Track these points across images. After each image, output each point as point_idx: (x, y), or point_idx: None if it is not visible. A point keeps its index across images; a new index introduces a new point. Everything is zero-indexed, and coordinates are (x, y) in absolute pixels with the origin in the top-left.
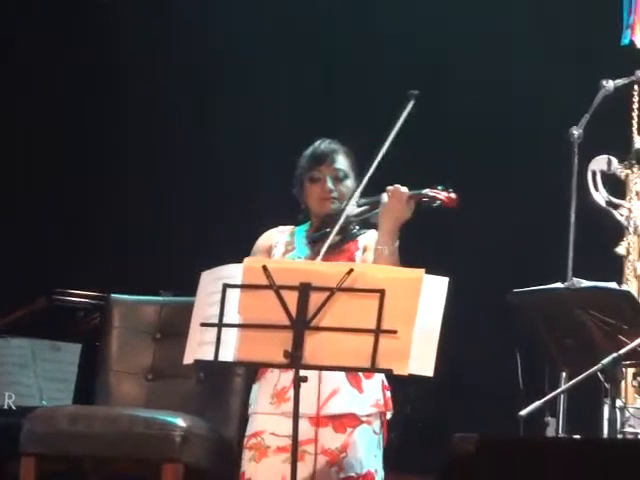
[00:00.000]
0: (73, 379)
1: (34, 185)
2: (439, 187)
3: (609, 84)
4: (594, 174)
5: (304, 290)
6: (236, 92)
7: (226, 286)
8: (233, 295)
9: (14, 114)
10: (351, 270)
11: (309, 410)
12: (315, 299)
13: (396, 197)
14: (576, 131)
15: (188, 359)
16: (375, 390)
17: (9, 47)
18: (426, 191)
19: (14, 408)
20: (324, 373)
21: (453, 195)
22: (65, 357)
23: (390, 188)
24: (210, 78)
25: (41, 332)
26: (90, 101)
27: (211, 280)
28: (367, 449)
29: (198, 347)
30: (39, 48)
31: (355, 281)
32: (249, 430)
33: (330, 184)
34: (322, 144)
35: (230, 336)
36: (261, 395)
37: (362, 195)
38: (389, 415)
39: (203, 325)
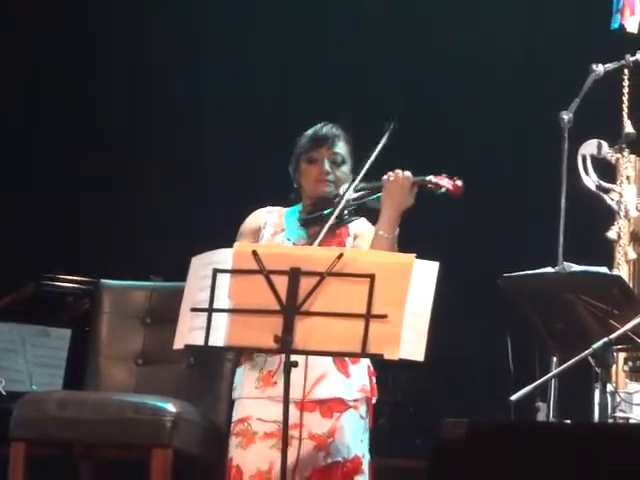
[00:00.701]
0: (63, 364)
1: (21, 171)
2: (443, 174)
3: (599, 68)
4: (584, 158)
5: (294, 275)
6: (225, 74)
7: (216, 271)
8: (223, 280)
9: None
10: (341, 255)
11: (295, 395)
12: (305, 284)
13: (398, 182)
14: (566, 115)
15: (178, 344)
16: (362, 375)
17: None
18: (430, 177)
19: (4, 393)
20: (311, 358)
21: (459, 182)
22: (55, 342)
23: (391, 173)
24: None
25: (30, 317)
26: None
27: (201, 265)
28: (354, 434)
29: (188, 332)
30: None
31: (345, 266)
32: (235, 415)
33: (327, 167)
34: (324, 127)
35: (220, 321)
36: (246, 379)
37: (362, 181)
38: (374, 400)
39: (193, 310)
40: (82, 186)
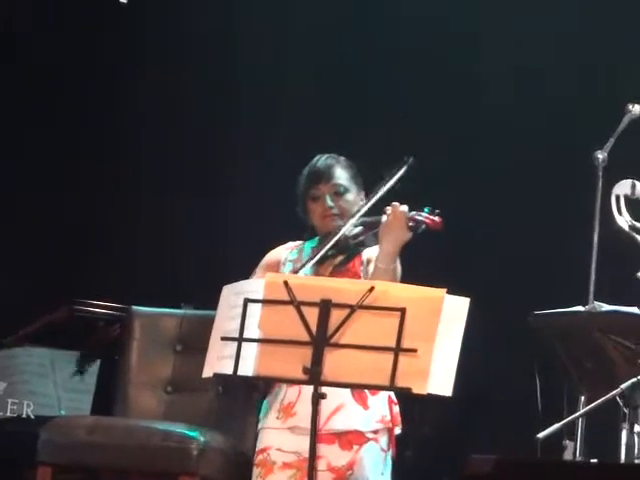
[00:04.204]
0: (92, 390)
1: (55, 197)
2: (425, 210)
3: (635, 108)
4: (618, 198)
5: (325, 307)
6: (252, 107)
7: (247, 301)
8: (254, 310)
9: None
10: (372, 288)
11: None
12: (336, 316)
13: (396, 217)
14: (601, 155)
15: (207, 372)
16: (381, 406)
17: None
18: (413, 214)
19: (33, 417)
20: (329, 389)
21: (438, 218)
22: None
23: (390, 208)
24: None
25: (61, 342)
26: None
27: (232, 294)
28: (374, 466)
29: (218, 361)
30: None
31: (376, 299)
32: (258, 446)
33: (330, 202)
34: (318, 161)
35: (250, 350)
36: (269, 410)
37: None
38: (398, 430)
39: (223, 339)
40: (115, 214)
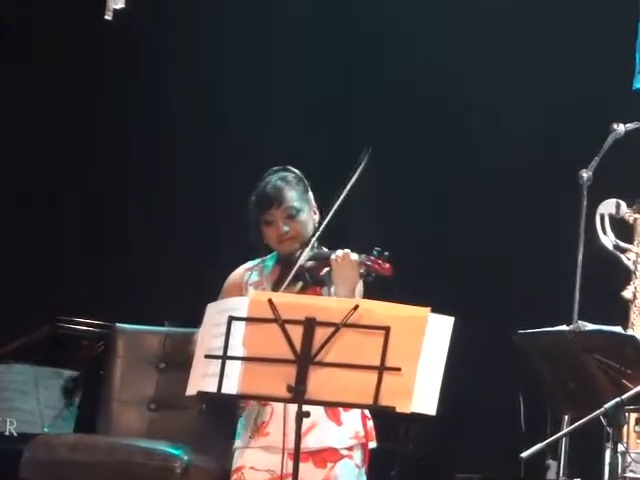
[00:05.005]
0: (75, 407)
1: (38, 213)
2: (374, 252)
3: (620, 127)
4: (602, 217)
5: (309, 325)
6: (243, 126)
7: (232, 318)
8: (238, 328)
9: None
10: (357, 306)
11: (287, 444)
12: (320, 334)
13: (347, 265)
14: (585, 174)
15: (191, 390)
16: (354, 421)
17: None
18: (363, 258)
19: (15, 434)
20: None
21: (387, 265)
22: (67, 385)
23: (340, 253)
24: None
25: (44, 359)
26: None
27: (217, 312)
28: None
29: (201, 379)
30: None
31: (360, 317)
32: (233, 466)
33: (283, 226)
34: (267, 186)
35: (234, 369)
36: (243, 429)
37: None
38: (372, 445)
39: (207, 357)
40: (99, 231)
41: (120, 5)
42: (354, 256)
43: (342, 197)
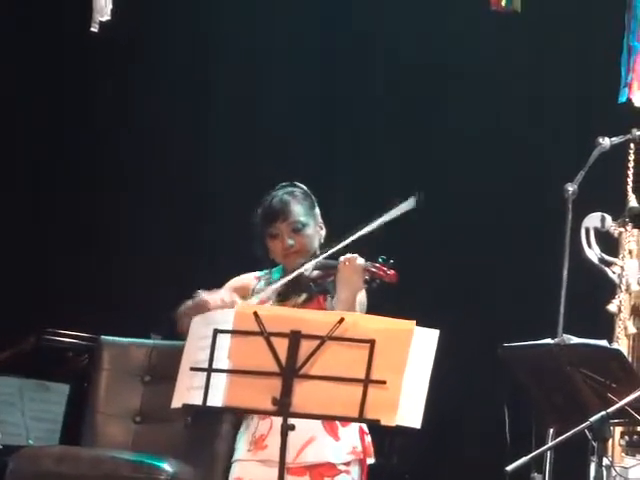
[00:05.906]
0: (60, 419)
1: (24, 226)
2: (380, 259)
3: (605, 141)
4: (587, 231)
5: (294, 338)
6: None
7: (217, 331)
8: (224, 340)
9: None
10: (342, 319)
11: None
12: (305, 347)
13: (352, 269)
14: (571, 187)
15: (176, 403)
16: (352, 437)
17: None
18: (368, 265)
19: (0, 447)
20: (300, 421)
21: (391, 272)
22: (53, 397)
23: (345, 258)
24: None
25: (30, 371)
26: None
27: (202, 325)
28: None
29: (187, 391)
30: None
31: (346, 330)
32: (230, 478)
33: (289, 240)
34: (273, 199)
35: (219, 381)
36: (241, 442)
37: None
38: (370, 461)
39: (193, 369)
40: (84, 242)
41: (106, 17)
42: (360, 261)
43: (372, 228)
